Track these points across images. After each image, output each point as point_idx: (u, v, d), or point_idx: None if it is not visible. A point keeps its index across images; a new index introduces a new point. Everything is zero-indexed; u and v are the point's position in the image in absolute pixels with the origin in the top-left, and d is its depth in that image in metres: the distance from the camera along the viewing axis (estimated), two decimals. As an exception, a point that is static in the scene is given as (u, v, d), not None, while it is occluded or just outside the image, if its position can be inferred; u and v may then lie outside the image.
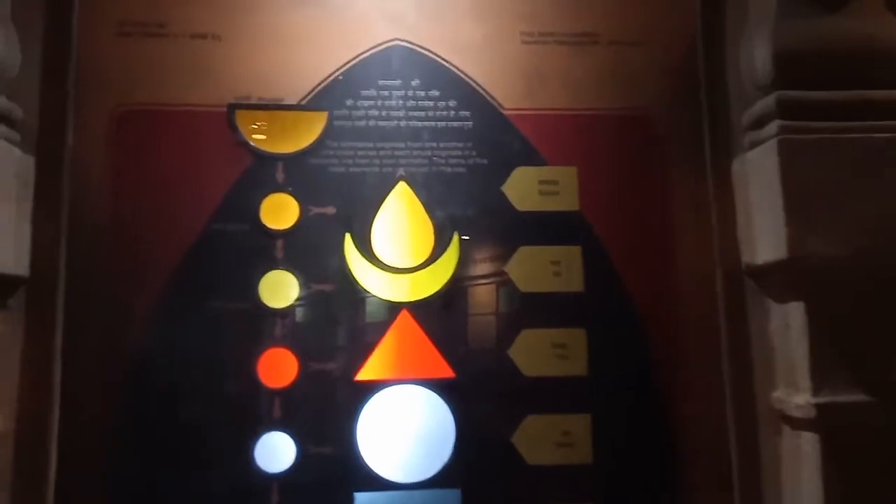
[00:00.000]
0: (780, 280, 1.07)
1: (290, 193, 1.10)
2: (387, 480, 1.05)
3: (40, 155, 1.06)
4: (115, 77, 1.10)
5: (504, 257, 1.11)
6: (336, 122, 1.12)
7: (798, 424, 1.04)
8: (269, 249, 1.09)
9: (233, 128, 1.10)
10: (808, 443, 1.02)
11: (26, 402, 1.01)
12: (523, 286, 1.10)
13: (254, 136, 1.11)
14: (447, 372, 1.08)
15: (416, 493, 1.05)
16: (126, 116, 1.10)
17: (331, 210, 1.10)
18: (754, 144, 1.10)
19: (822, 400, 1.00)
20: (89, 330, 1.04)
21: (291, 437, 1.04)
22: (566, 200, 1.12)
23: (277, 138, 1.11)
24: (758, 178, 1.08)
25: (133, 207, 1.08)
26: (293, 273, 1.08)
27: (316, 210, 1.10)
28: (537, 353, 1.09)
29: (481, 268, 1.11)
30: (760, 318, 1.11)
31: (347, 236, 1.10)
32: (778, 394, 1.08)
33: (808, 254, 0.99)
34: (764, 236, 1.06)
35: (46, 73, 1.08)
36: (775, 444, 1.07)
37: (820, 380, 1.01)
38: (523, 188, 1.12)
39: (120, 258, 1.07)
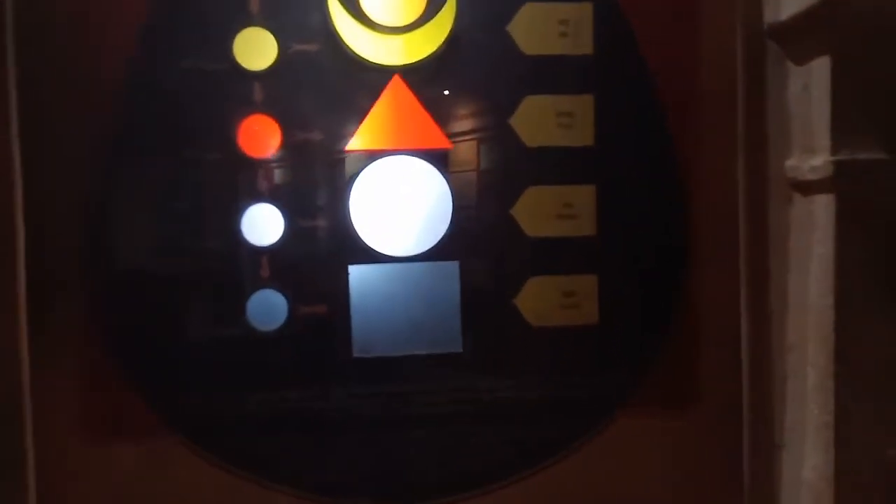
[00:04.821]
0: (805, 35, 0.99)
1: (264, -62, 0.97)
2: (382, 254, 1.00)
3: None
4: None
5: (506, 15, 1.00)
6: None
7: (812, 189, 1.00)
8: (243, 2, 0.97)
9: None
10: (821, 206, 0.98)
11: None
12: (526, 48, 1.01)
13: None
14: (443, 142, 1.01)
15: (413, 265, 1.00)
16: None
17: (311, -42, 0.98)
18: None
19: (840, 158, 0.95)
20: (52, 98, 0.93)
21: (278, 208, 0.98)
22: (575, -53, 1.01)
23: None
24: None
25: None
26: (271, 31, 0.97)
27: (294, -42, 0.98)
28: (540, 121, 1.01)
29: (479, 26, 1.00)
30: (778, 85, 1.03)
31: (331, -10, 0.99)
32: (791, 161, 1.03)
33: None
34: (793, -19, 0.97)
35: None
36: (785, 212, 1.03)
37: (839, 138, 0.95)
38: (527, -66, 1.01)
39: (76, 18, 0.94)
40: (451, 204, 1.00)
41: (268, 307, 0.97)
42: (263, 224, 0.97)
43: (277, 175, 0.99)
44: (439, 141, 1.01)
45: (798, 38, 1.00)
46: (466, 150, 1.01)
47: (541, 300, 1.02)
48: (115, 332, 0.95)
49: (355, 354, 0.99)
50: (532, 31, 1.01)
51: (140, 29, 0.95)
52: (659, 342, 1.04)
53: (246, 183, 0.98)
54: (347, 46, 0.98)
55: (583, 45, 1.01)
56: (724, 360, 1.05)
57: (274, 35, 0.97)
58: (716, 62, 1.03)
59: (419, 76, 1.00)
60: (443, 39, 0.99)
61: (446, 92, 1.01)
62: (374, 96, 0.99)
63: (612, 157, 1.03)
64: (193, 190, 0.97)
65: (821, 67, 0.97)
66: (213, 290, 0.98)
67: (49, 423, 0.93)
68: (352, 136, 0.99)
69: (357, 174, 0.99)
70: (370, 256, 1.00)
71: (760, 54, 1.03)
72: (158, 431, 0.95)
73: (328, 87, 0.99)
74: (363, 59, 0.99)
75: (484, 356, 1.02)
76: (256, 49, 0.97)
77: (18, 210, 0.92)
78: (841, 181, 0.95)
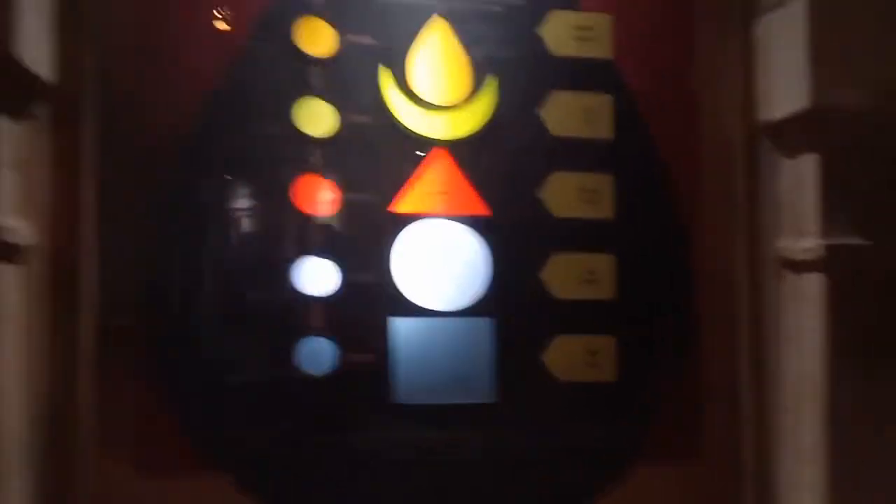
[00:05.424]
0: (796, 134, 1.13)
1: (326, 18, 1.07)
2: (423, 308, 1.08)
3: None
4: None
5: (538, 101, 1.13)
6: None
7: (802, 268, 1.12)
8: (304, 75, 1.07)
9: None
10: (812, 284, 1.10)
11: (59, 215, 0.98)
12: (555, 129, 1.13)
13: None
14: (482, 209, 1.11)
15: (450, 320, 1.08)
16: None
17: (368, 40, 1.09)
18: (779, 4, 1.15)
19: (830, 241, 1.08)
20: (121, 149, 1.00)
21: (330, 261, 1.04)
22: (600, 47, 1.14)
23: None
24: (782, 35, 1.12)
25: (162, 26, 1.03)
26: (331, 103, 1.06)
27: (353, 38, 1.08)
28: (566, 195, 1.12)
29: (515, 109, 1.12)
30: (771, 176, 1.17)
31: (384, 69, 1.09)
32: (783, 242, 1.16)
33: (829, 103, 1.06)
34: (787, 88, 1.11)
35: None
36: (778, 287, 1.16)
37: (828, 223, 1.09)
38: (559, 32, 1.13)
39: (152, 75, 1.02)
40: (487, 266, 1.10)
41: (317, 353, 1.03)
42: (315, 276, 1.04)
43: (329, 231, 1.06)
44: (478, 208, 1.11)
45: (789, 135, 1.15)
46: (502, 218, 1.11)
47: (567, 357, 1.10)
48: (170, 373, 0.99)
49: (397, 401, 1.04)
50: (560, 116, 1.13)
51: (209, 93, 1.04)
52: (669, 399, 1.14)
53: (299, 237, 1.05)
54: (399, 120, 1.09)
55: (604, 130, 1.14)
56: (726, 419, 1.14)
57: (333, 106, 1.07)
58: (717, 151, 1.18)
59: (462, 149, 1.11)
60: (484, 119, 1.11)
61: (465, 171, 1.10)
62: (421, 165, 1.10)
63: (629, 230, 1.14)
64: (252, 242, 1.04)
65: (810, 162, 1.11)
66: (265, 335, 1.03)
67: (103, 457, 0.96)
68: (399, 199, 1.08)
69: (402, 234, 1.08)
70: (412, 310, 1.07)
71: (756, 146, 1.18)
72: (207, 469, 0.98)
73: (380, 155, 1.09)
74: (412, 131, 1.09)
75: (514, 407, 1.08)
76: (316, 117, 1.06)
77: (89, 261, 0.98)
78: (830, 263, 1.08)
